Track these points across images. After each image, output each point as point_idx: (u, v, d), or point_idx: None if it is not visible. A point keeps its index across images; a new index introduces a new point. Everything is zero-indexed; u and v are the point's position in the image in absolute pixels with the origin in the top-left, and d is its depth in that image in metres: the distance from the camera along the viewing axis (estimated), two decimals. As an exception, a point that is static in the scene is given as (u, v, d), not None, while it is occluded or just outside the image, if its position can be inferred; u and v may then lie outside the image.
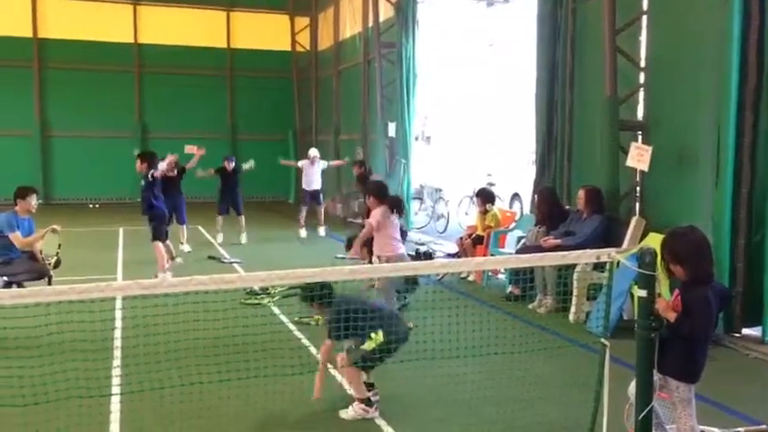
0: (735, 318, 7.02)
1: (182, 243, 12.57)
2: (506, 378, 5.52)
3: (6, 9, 21.56)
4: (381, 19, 16.90)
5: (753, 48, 6.78)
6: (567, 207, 9.41)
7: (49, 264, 8.49)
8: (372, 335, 4.84)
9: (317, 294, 4.99)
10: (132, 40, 22.99)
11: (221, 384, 4.50)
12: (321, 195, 15.07)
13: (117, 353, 6.25)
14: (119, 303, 7.28)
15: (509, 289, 9.08)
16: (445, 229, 15.70)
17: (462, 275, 10.25)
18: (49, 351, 4.65)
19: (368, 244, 7.80)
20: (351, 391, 5.19)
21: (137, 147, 22.80)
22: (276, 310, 8.10)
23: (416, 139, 17.16)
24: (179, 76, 23.13)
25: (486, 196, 10.72)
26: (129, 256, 12.32)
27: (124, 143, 22.90)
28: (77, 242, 12.44)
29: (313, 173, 14.71)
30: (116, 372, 5.65)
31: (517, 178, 17.27)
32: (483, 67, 21.54)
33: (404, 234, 8.89)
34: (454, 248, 11.16)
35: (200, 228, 15.14)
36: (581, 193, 8.47)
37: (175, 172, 12.05)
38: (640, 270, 3.56)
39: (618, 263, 3.87)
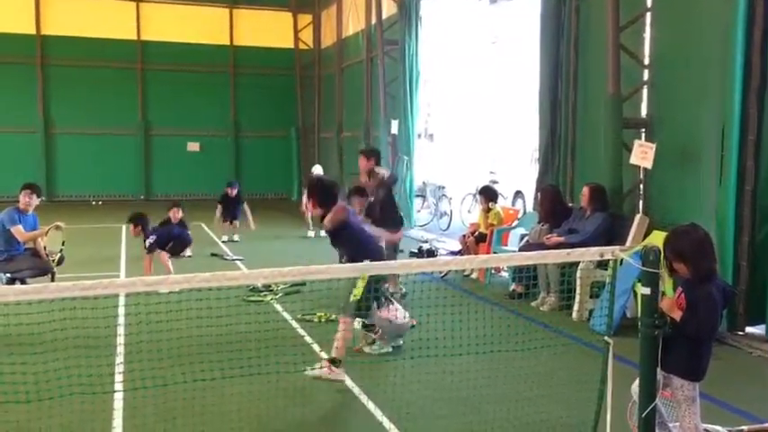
0: (738, 316, 7.00)
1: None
2: (509, 376, 5.52)
3: (10, 6, 21.59)
4: (384, 16, 16.89)
5: (757, 44, 6.76)
6: (570, 205, 9.40)
7: (53, 261, 8.51)
8: (359, 281, 5.08)
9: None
10: (135, 38, 23.01)
11: (224, 381, 4.50)
12: None
13: (120, 349, 6.26)
14: (122, 300, 7.30)
15: (512, 287, 9.07)
16: (448, 227, 15.70)
17: (465, 273, 10.25)
18: (52, 347, 4.65)
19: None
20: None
21: (139, 146, 23.00)
22: (279, 308, 8.10)
23: (419, 136, 17.15)
24: (182, 74, 23.17)
25: (489, 194, 10.70)
26: (132, 252, 12.32)
27: (127, 140, 23.00)
28: (81, 239, 12.46)
29: None
30: (119, 368, 5.64)
31: (520, 176, 17.26)
32: (486, 64, 21.51)
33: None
34: (457, 246, 11.15)
35: (202, 225, 15.15)
36: (585, 191, 8.46)
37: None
38: (644, 268, 3.55)
39: (621, 260, 3.87)
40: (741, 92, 6.75)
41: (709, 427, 4.30)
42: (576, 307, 7.83)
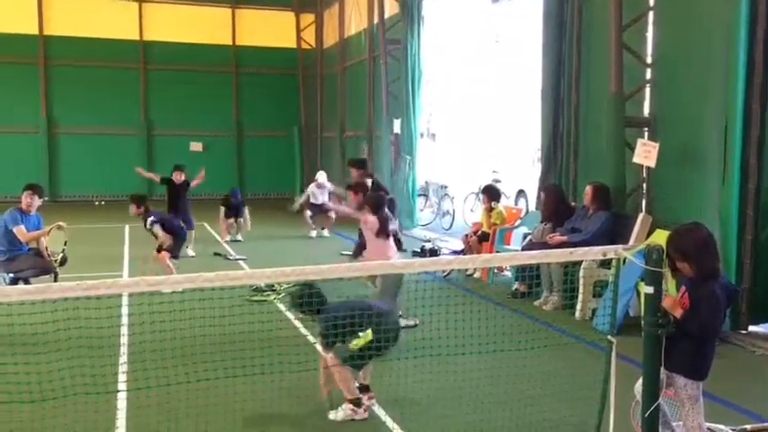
0: (741, 315, 7.00)
1: (187, 247, 12.54)
2: (512, 375, 5.51)
3: (12, 6, 21.62)
4: (386, 15, 16.88)
5: (760, 43, 6.75)
6: (573, 204, 9.39)
7: (56, 261, 8.52)
8: (360, 333, 4.79)
9: (305, 302, 4.96)
10: (138, 38, 23.02)
11: (227, 381, 4.50)
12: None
13: (123, 349, 6.26)
14: (125, 300, 7.31)
15: (515, 286, 9.07)
16: (450, 226, 15.69)
17: (468, 272, 10.25)
18: (55, 347, 4.66)
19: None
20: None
21: (142, 146, 22.98)
22: (282, 307, 8.10)
23: (422, 135, 17.13)
24: (184, 74, 23.18)
25: (491, 193, 10.70)
26: (135, 252, 12.34)
27: (130, 140, 23.00)
28: (83, 239, 12.48)
29: (319, 193, 14.57)
30: (122, 368, 5.66)
31: (523, 175, 17.22)
32: (488, 63, 21.47)
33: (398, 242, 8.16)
34: (460, 245, 11.14)
35: (205, 225, 15.16)
36: (588, 190, 8.45)
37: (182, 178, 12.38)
38: (647, 267, 3.55)
39: (624, 260, 3.86)
40: (744, 90, 6.74)
41: (713, 426, 4.30)
42: (578, 306, 7.83)
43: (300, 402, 5.15)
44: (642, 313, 3.75)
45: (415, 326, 6.95)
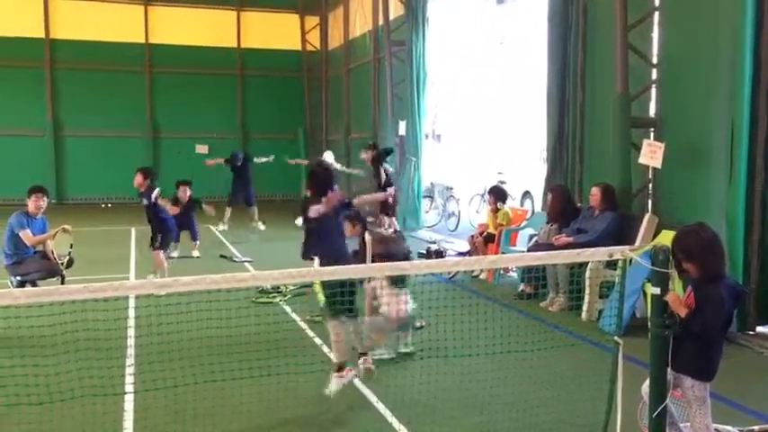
0: (749, 316, 6.97)
1: (193, 250, 12.54)
2: (518, 376, 5.51)
3: (18, 10, 21.73)
4: (391, 17, 16.90)
5: (766, 42, 6.74)
6: (579, 205, 9.38)
7: (62, 263, 8.55)
8: (315, 286, 5.27)
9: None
10: (143, 41, 23.11)
11: (234, 382, 4.51)
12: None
13: (130, 351, 6.29)
14: (132, 302, 7.33)
15: (521, 287, 9.05)
16: (456, 228, 15.68)
17: (474, 274, 10.24)
18: (63, 350, 4.68)
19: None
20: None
21: (148, 149, 23.04)
22: (288, 309, 8.12)
23: (427, 137, 17.13)
24: (190, 76, 23.27)
25: (497, 194, 10.69)
26: (141, 255, 12.37)
27: (136, 143, 23.06)
28: (90, 242, 12.52)
29: None
30: (129, 370, 5.67)
31: (528, 176, 17.19)
32: (494, 64, 21.46)
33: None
34: (465, 247, 11.13)
35: (210, 227, 15.18)
36: (594, 191, 8.43)
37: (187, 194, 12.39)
38: (653, 267, 3.54)
39: (630, 260, 3.85)
40: (750, 90, 6.73)
41: (720, 427, 4.29)
42: (585, 307, 7.82)
43: (307, 404, 5.15)
44: (649, 314, 3.74)
45: (422, 327, 6.95)
